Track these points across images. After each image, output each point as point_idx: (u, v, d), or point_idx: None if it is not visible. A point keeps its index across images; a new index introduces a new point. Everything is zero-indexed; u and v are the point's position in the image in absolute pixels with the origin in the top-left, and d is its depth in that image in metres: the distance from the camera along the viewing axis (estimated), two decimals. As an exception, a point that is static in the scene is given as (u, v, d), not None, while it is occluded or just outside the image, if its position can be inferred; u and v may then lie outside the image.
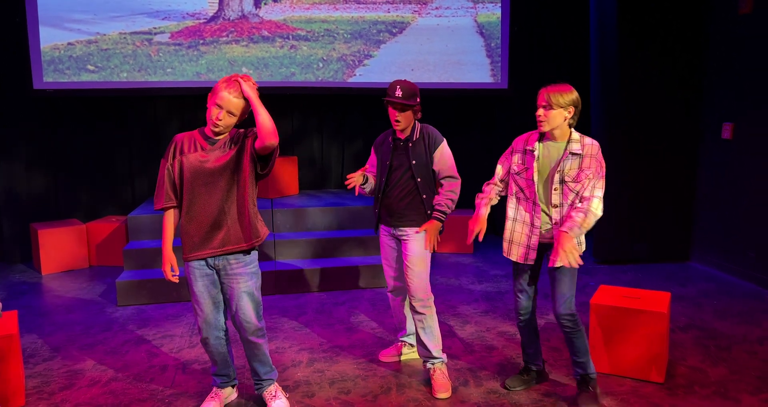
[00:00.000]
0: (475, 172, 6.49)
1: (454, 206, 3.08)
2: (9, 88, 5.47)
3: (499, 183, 2.99)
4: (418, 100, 3.00)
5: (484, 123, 6.48)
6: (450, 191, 3.08)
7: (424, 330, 3.14)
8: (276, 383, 2.98)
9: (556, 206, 2.78)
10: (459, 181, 3.11)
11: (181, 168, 2.70)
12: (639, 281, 4.89)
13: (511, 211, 2.92)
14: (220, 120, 2.61)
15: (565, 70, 6.34)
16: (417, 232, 3.09)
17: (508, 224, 2.93)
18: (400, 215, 3.11)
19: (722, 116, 5.10)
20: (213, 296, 2.78)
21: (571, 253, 2.61)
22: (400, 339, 3.50)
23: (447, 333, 3.85)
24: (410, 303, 3.16)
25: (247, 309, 2.76)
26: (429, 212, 3.10)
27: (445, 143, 3.11)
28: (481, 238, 2.84)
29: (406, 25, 6.11)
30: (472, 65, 6.22)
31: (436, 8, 6.16)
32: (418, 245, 3.09)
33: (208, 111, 2.64)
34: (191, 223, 2.71)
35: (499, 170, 2.98)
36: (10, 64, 5.43)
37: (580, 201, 2.73)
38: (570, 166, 2.74)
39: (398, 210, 3.11)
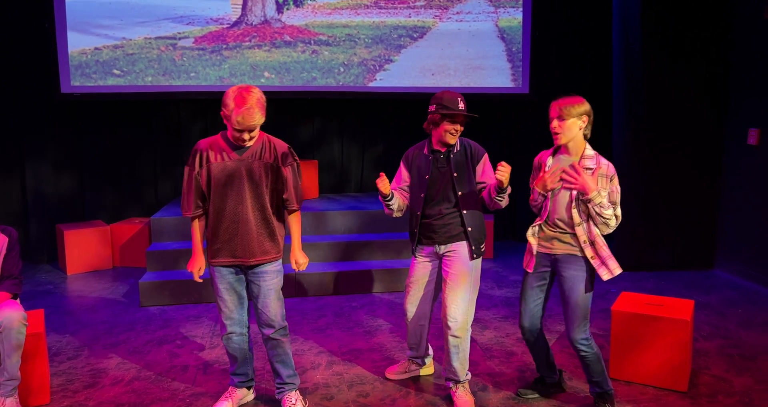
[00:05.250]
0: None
1: (503, 203, 2.88)
2: (38, 92, 5.59)
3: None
4: None
5: (505, 128, 6.45)
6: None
7: (457, 354, 2.94)
8: (297, 391, 2.99)
9: (579, 225, 2.70)
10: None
11: (208, 176, 2.75)
12: (662, 289, 4.83)
13: (530, 228, 2.88)
14: (246, 140, 2.68)
15: (587, 74, 6.29)
16: (452, 236, 2.92)
17: (528, 238, 2.88)
18: (444, 231, 2.93)
19: (748, 122, 5.02)
20: (238, 293, 2.85)
21: (579, 181, 2.58)
22: (413, 358, 3.28)
23: (466, 338, 3.84)
24: (446, 325, 2.91)
25: (273, 307, 2.83)
26: (470, 228, 2.91)
27: (487, 155, 2.99)
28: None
29: (427, 30, 6.12)
30: (493, 70, 6.20)
31: (457, 13, 6.17)
32: (464, 263, 2.91)
33: (229, 130, 2.69)
34: (218, 230, 2.77)
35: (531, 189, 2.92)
36: (39, 69, 5.55)
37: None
38: None
39: (440, 227, 2.93)
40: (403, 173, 3.08)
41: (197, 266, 2.86)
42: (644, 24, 5.07)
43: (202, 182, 2.78)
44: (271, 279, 2.82)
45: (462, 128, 2.90)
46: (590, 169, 2.68)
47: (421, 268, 3.05)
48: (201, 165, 2.76)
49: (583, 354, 2.77)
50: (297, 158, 2.87)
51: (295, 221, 2.94)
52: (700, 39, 5.13)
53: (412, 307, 3.10)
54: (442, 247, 2.96)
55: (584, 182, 2.60)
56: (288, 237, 2.94)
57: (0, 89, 5.50)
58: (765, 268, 4.85)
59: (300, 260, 2.95)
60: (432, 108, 2.89)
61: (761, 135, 4.90)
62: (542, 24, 6.20)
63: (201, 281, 2.90)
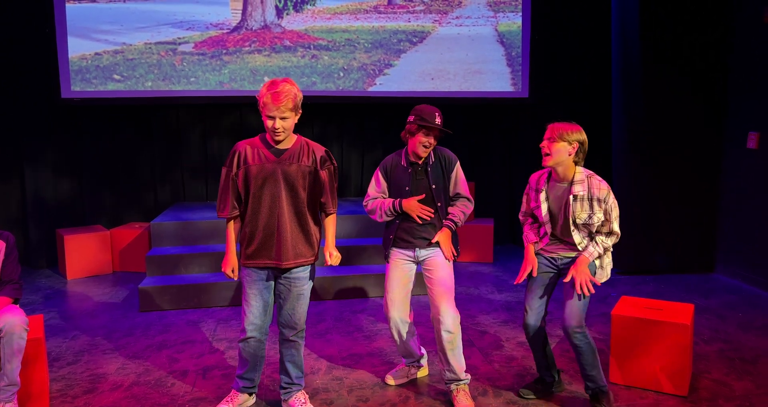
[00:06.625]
0: (494, 180, 6.49)
1: (463, 222, 3.07)
2: (38, 97, 5.60)
3: (528, 216, 3.08)
4: None
5: (505, 132, 6.46)
6: (465, 206, 3.08)
7: (453, 350, 3.00)
8: (304, 391, 3.02)
9: (580, 243, 2.87)
10: (473, 204, 3.11)
11: (246, 178, 2.75)
12: (661, 293, 4.82)
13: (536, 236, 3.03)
14: (277, 128, 2.67)
15: (586, 78, 6.30)
16: (431, 242, 3.02)
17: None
18: (423, 237, 3.03)
19: (747, 125, 5.02)
20: (265, 300, 2.85)
21: (583, 276, 2.78)
22: (410, 363, 3.31)
23: (466, 342, 3.83)
24: (438, 322, 2.98)
25: (300, 311, 2.87)
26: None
27: (459, 163, 3.09)
28: (535, 273, 2.93)
29: (427, 35, 6.14)
30: (493, 74, 6.21)
31: (457, 17, 6.18)
32: (445, 262, 3.03)
33: (264, 122, 2.71)
34: (252, 232, 2.78)
35: (524, 203, 3.07)
36: (39, 74, 5.57)
37: (607, 234, 2.87)
38: (579, 209, 2.81)
39: (421, 233, 3.03)
40: (382, 183, 3.14)
41: (230, 267, 2.86)
42: (643, 28, 5.09)
43: (239, 184, 2.78)
44: (302, 285, 2.84)
45: (435, 142, 3.00)
46: (580, 196, 2.80)
47: (400, 271, 3.11)
48: (239, 166, 2.76)
49: (577, 342, 2.82)
50: (335, 161, 2.90)
51: (331, 223, 2.97)
52: (698, 43, 5.15)
53: (396, 313, 3.10)
54: (423, 251, 3.05)
55: (583, 272, 2.79)
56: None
57: (0, 93, 5.51)
58: (765, 271, 4.85)
59: (334, 252, 2.93)
60: (411, 119, 2.97)
61: (760, 138, 4.91)
62: (541, 28, 6.22)
63: (237, 279, 2.88)
